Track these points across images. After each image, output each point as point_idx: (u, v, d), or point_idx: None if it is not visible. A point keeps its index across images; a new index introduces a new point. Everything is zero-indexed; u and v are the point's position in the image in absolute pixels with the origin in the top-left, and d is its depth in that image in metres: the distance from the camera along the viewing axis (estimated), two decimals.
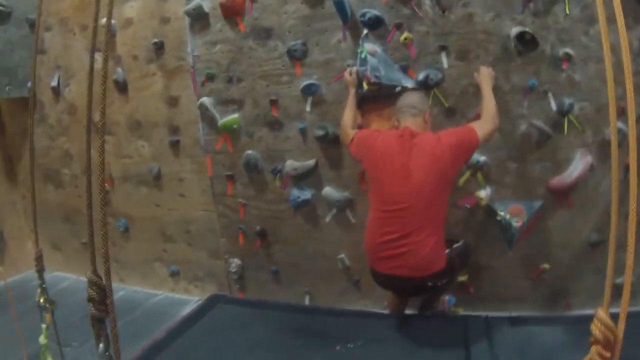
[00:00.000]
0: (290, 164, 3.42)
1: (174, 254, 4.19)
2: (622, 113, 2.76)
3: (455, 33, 2.98)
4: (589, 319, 1.56)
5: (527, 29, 2.82)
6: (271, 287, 3.86)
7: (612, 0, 1.52)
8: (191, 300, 4.09)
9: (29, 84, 3.78)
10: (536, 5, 2.84)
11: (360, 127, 3.15)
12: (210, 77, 3.51)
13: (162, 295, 4.26)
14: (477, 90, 2.96)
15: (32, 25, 4.15)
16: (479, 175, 3.11)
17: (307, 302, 3.75)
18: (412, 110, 2.87)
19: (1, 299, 3.49)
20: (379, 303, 3.47)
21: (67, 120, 4.36)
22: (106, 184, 4.08)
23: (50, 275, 4.70)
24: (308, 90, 3.27)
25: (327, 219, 3.48)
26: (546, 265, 3.19)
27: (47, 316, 2.58)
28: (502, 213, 3.04)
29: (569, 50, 2.84)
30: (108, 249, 1.76)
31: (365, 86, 3.01)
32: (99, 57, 1.88)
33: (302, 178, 3.44)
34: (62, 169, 4.54)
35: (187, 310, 3.85)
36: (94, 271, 1.88)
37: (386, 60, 3.03)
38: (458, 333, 3.06)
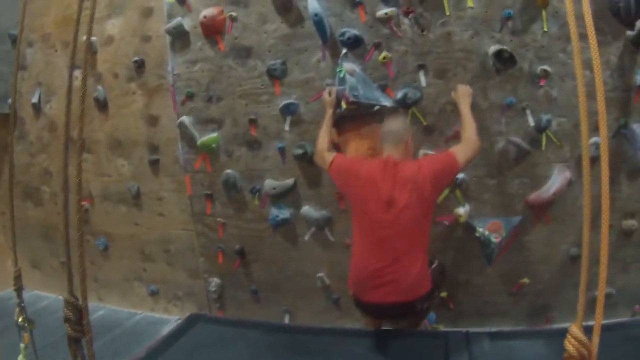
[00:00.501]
0: (269, 183, 3.42)
1: (153, 273, 4.15)
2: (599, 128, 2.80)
3: (433, 52, 3.01)
4: None
5: (505, 47, 2.85)
6: (251, 306, 3.83)
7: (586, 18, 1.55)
8: (171, 319, 4.04)
9: (9, 100, 3.75)
10: (514, 23, 2.88)
11: (337, 146, 3.18)
12: (190, 96, 3.50)
13: (141, 315, 4.21)
14: (455, 108, 2.98)
15: (15, 40, 4.12)
16: (458, 193, 3.14)
17: (287, 320, 3.72)
18: (395, 138, 2.87)
19: None
20: (358, 321, 3.45)
21: (47, 137, 4.32)
22: (85, 202, 4.10)
23: (30, 293, 4.65)
24: (287, 110, 3.27)
25: (306, 238, 3.47)
26: (526, 280, 3.22)
27: (26, 336, 2.56)
28: (481, 229, 3.06)
29: (546, 67, 2.89)
30: (85, 270, 1.75)
31: (343, 105, 3.01)
32: (78, 74, 1.88)
33: (281, 197, 3.43)
34: (42, 187, 4.48)
35: (166, 329, 3.80)
36: (71, 291, 1.87)
37: (365, 79, 3.05)
38: (438, 348, 3.05)
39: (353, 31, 3.04)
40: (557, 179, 3.00)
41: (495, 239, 3.00)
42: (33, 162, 4.48)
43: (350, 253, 2.91)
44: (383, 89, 3.09)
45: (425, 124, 3.08)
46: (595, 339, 1.56)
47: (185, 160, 3.66)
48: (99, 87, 3.87)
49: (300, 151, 3.25)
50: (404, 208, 2.67)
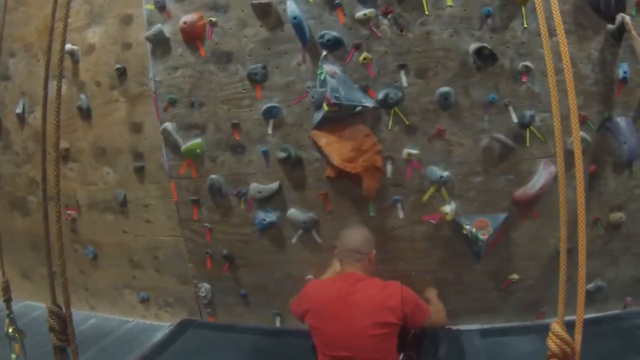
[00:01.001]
0: (255, 187, 3.40)
1: (143, 280, 4.14)
2: (583, 122, 2.82)
3: (413, 51, 2.99)
4: None
5: (485, 45, 2.84)
6: (241, 310, 3.83)
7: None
8: (162, 326, 4.04)
9: None
10: (494, 20, 2.88)
11: (319, 149, 3.19)
12: (173, 102, 3.48)
13: (133, 322, 4.20)
14: (437, 108, 3.01)
15: None
16: (443, 191, 3.13)
17: (278, 324, 3.72)
18: (356, 255, 2.82)
19: None
20: None
21: (32, 147, 4.28)
22: (72, 212, 4.09)
23: (21, 304, 4.64)
24: (269, 113, 3.26)
25: (294, 241, 3.46)
26: (515, 276, 3.24)
27: (17, 346, 2.56)
28: (467, 227, 3.06)
29: (528, 63, 2.89)
30: (66, 279, 1.75)
31: (325, 107, 3.00)
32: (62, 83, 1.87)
33: (266, 201, 3.42)
34: (29, 197, 4.46)
35: (158, 336, 3.80)
36: (54, 301, 1.87)
37: (346, 80, 3.03)
38: (430, 346, 3.06)
39: (333, 33, 3.02)
40: (542, 175, 3.00)
41: (482, 236, 3.00)
42: (19, 173, 4.45)
43: None
44: (364, 89, 3.08)
45: (407, 123, 3.07)
46: (577, 336, 1.56)
47: (170, 166, 3.64)
48: (82, 96, 3.84)
49: (283, 154, 3.23)
50: (364, 328, 2.53)
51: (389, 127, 3.09)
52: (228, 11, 3.23)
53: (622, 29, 2.77)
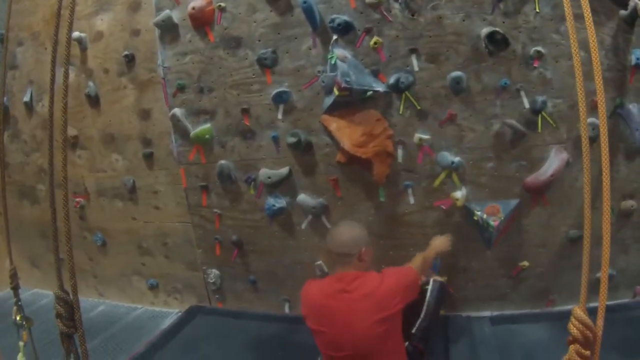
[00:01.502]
0: (264, 173, 3.39)
1: (152, 267, 4.15)
2: (595, 108, 2.79)
3: (425, 36, 2.96)
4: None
5: (497, 29, 2.81)
6: (250, 297, 3.84)
7: None
8: (171, 312, 4.06)
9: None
10: (506, 5, 2.84)
11: (330, 134, 3.17)
12: (182, 88, 3.47)
13: (142, 309, 4.22)
14: (449, 93, 2.98)
15: (2, 39, 4.09)
16: (454, 176, 3.11)
17: (286, 310, 3.72)
18: (344, 258, 2.67)
19: None
20: None
21: (40, 135, 4.30)
22: (81, 199, 4.10)
23: (30, 292, 4.68)
24: (279, 98, 3.24)
25: (303, 226, 3.45)
26: (525, 263, 3.22)
27: (25, 334, 2.56)
28: (479, 213, 3.04)
29: (540, 48, 2.85)
30: (74, 265, 1.73)
31: (336, 92, 2.98)
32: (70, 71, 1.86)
33: (276, 186, 3.41)
34: (37, 185, 4.47)
35: (167, 323, 3.83)
36: (61, 287, 1.86)
37: (356, 65, 3.01)
38: (439, 333, 3.05)
39: (343, 17, 3.00)
40: (554, 161, 2.98)
41: (493, 222, 2.98)
42: (28, 161, 4.46)
43: None
44: (375, 74, 3.05)
45: (419, 108, 3.05)
46: (599, 321, 1.54)
47: (179, 152, 3.64)
48: (90, 83, 3.84)
49: (293, 139, 3.22)
50: (365, 327, 2.46)
51: (400, 112, 3.07)
52: None
53: (635, 15, 2.73)
